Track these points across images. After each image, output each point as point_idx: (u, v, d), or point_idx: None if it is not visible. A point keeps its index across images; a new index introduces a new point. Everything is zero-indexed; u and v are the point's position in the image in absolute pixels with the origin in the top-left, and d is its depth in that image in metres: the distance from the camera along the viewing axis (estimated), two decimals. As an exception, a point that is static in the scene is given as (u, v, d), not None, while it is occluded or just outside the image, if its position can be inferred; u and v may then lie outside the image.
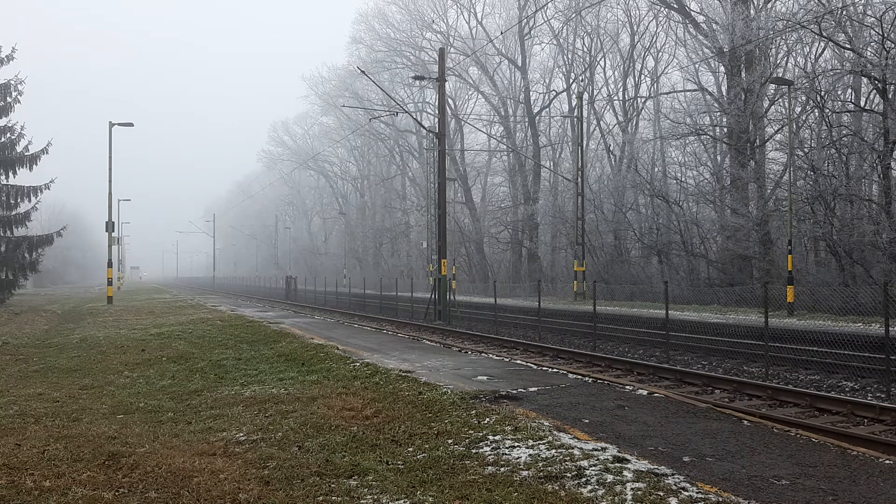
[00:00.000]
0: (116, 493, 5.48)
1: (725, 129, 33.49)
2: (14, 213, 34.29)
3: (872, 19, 25.38)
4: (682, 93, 38.48)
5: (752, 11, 31.02)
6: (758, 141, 31.76)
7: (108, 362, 13.61)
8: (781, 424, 7.97)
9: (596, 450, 6.19)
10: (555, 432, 6.87)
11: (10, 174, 34.26)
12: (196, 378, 11.36)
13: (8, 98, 33.90)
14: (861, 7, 26.94)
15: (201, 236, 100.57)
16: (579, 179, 35.78)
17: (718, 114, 34.29)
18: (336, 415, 7.97)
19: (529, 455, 6.09)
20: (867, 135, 27.17)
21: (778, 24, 29.56)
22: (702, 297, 28.71)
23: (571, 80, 45.50)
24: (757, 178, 31.23)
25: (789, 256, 24.28)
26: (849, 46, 26.08)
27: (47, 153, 34.89)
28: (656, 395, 9.23)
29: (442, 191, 27.13)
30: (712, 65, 35.34)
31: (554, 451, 6.18)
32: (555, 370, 11.82)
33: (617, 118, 43.96)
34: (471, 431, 6.98)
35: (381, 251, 68.48)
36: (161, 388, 10.56)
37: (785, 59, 32.51)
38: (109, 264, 38.60)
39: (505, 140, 49.15)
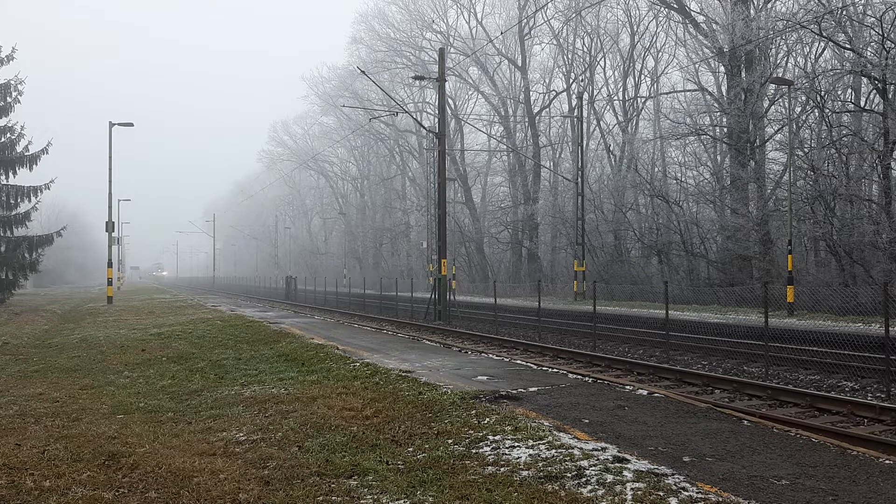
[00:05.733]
0: (116, 493, 5.48)
1: (725, 129, 33.49)
2: (14, 213, 34.22)
3: (872, 19, 25.38)
4: (682, 93, 38.50)
5: (752, 11, 31.02)
6: (758, 141, 31.76)
7: (108, 362, 13.61)
8: (781, 424, 7.97)
9: (596, 450, 6.19)
10: (555, 432, 6.87)
11: (10, 174, 34.20)
12: (196, 378, 11.37)
13: (8, 98, 33.84)
14: (861, 7, 26.95)
15: (201, 236, 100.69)
16: (579, 179, 35.79)
17: (718, 114, 34.29)
18: (336, 415, 7.97)
19: (529, 455, 6.10)
20: (867, 135, 27.17)
21: (778, 24, 29.56)
22: (702, 297, 28.71)
23: (571, 80, 45.52)
24: (757, 178, 31.23)
25: (789, 256, 24.29)
26: (849, 46, 26.08)
27: (47, 153, 34.84)
28: (656, 395, 9.23)
29: (442, 191, 27.13)
30: (712, 65, 35.37)
31: (554, 451, 6.18)
32: (555, 370, 11.82)
33: (617, 118, 43.97)
34: (471, 431, 6.98)
35: (381, 251, 68.48)
36: (161, 388, 10.56)
37: (785, 59, 32.54)
38: (109, 264, 38.60)
39: (505, 140, 49.14)
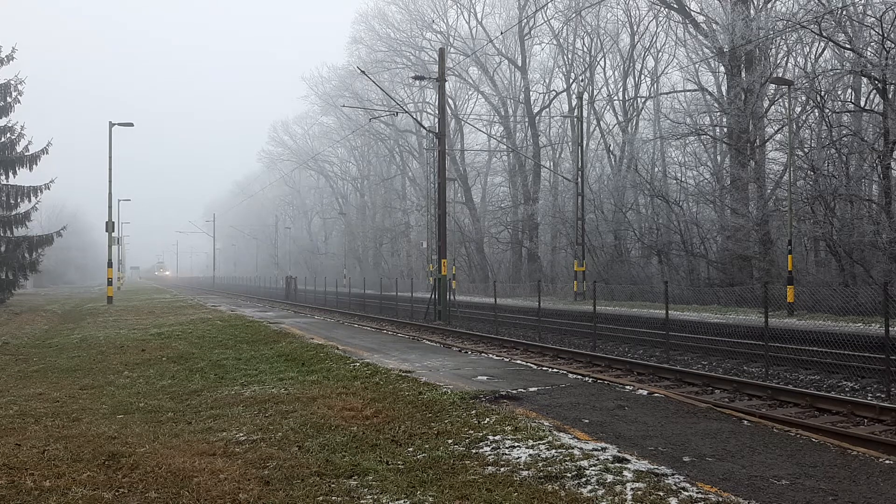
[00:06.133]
0: (116, 493, 5.48)
1: (725, 129, 33.49)
2: (14, 213, 34.21)
3: (872, 19, 25.38)
4: (682, 93, 38.51)
5: (752, 11, 31.01)
6: (758, 141, 31.75)
7: (108, 362, 13.61)
8: (781, 424, 7.96)
9: (596, 450, 6.19)
10: (555, 432, 6.87)
11: (10, 174, 34.19)
12: (196, 378, 11.37)
13: (8, 98, 33.82)
14: (861, 7, 26.94)
15: (201, 236, 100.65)
16: (579, 179, 35.78)
17: (718, 114, 34.29)
18: (336, 415, 7.97)
19: (529, 455, 6.09)
20: (867, 135, 27.17)
21: (778, 24, 29.55)
22: (702, 297, 28.70)
23: (571, 80, 45.51)
24: (757, 178, 31.23)
25: (789, 256, 24.28)
26: (849, 46, 26.08)
27: (47, 153, 34.82)
28: (656, 395, 9.23)
29: (442, 191, 27.13)
30: (712, 65, 35.36)
31: (554, 451, 6.18)
32: (555, 370, 11.82)
33: (617, 118, 43.97)
34: (471, 431, 6.98)
35: (381, 251, 68.48)
36: (161, 388, 10.56)
37: (785, 59, 32.54)
38: (109, 264, 38.59)
39: (505, 140, 49.14)
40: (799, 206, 27.07)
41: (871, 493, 5.24)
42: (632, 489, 5.15)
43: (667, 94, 40.14)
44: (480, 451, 6.33)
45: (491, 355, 14.55)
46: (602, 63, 45.37)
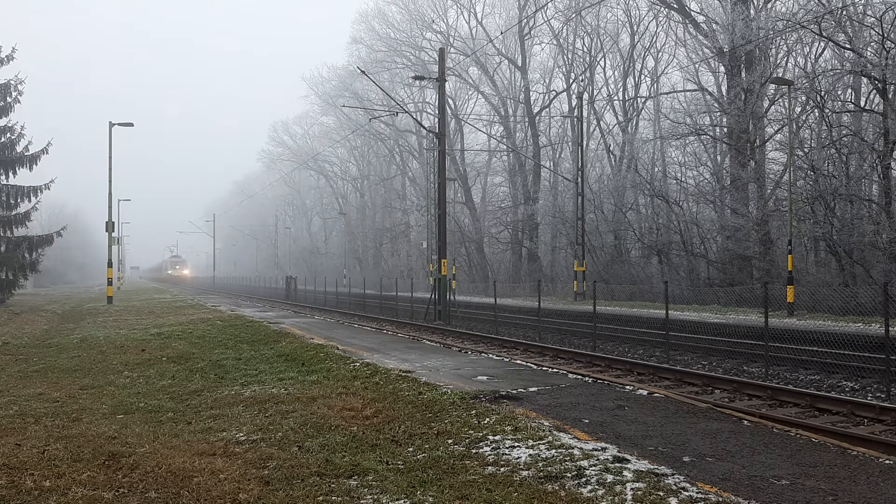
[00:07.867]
0: (116, 493, 5.48)
1: (725, 129, 33.50)
2: (14, 213, 34.17)
3: (872, 19, 25.39)
4: (682, 93, 38.52)
5: (752, 11, 31.02)
6: (758, 141, 31.76)
7: (108, 362, 13.61)
8: (781, 424, 7.96)
9: (596, 450, 6.19)
10: (555, 432, 6.87)
11: (10, 174, 34.16)
12: (196, 378, 11.37)
13: (8, 98, 33.78)
14: (861, 7, 26.97)
15: (201, 236, 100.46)
16: (579, 179, 35.78)
17: (718, 114, 34.30)
18: (336, 415, 7.97)
19: (529, 455, 6.10)
20: (867, 135, 27.17)
21: (778, 24, 29.57)
22: (702, 297, 28.70)
23: (571, 80, 45.51)
24: (757, 178, 31.24)
25: (789, 256, 24.29)
26: (849, 46, 26.08)
27: (47, 153, 34.77)
28: (656, 395, 9.23)
29: (442, 191, 27.13)
30: (712, 65, 35.37)
31: (554, 451, 6.18)
32: (555, 370, 11.82)
33: (617, 118, 43.98)
34: (471, 431, 6.98)
35: (381, 251, 68.48)
36: (161, 388, 10.56)
37: (785, 59, 32.55)
38: (109, 264, 38.59)
39: (505, 140, 49.14)
40: (799, 206, 27.07)
41: (871, 493, 5.24)
42: (632, 489, 5.16)
43: (667, 94, 40.18)
44: (480, 451, 6.33)
45: (491, 355, 14.55)
46: (602, 63, 45.44)
